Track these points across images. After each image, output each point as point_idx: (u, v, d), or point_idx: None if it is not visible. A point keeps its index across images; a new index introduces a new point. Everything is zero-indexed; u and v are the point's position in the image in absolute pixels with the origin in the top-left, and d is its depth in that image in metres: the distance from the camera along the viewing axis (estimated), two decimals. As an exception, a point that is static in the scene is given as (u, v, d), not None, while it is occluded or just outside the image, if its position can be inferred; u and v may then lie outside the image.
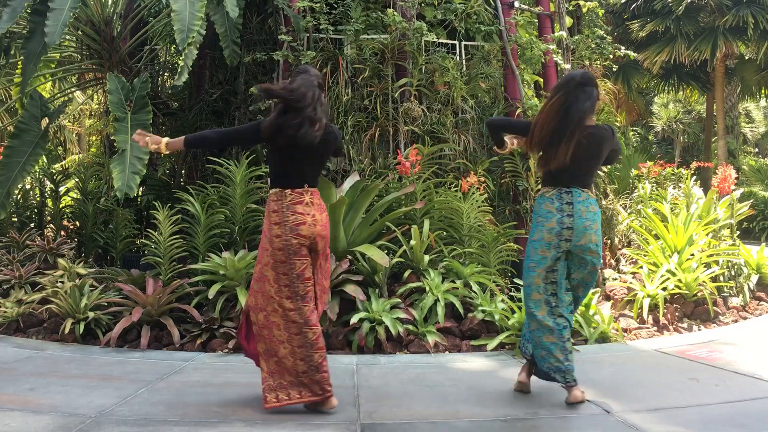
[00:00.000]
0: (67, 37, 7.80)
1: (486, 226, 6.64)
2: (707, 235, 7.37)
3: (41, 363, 4.79)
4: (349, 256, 6.04)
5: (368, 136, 7.35)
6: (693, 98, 25.74)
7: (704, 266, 6.83)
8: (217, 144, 4.06)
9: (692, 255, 6.97)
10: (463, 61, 8.20)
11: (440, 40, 7.99)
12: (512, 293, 6.23)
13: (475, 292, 5.87)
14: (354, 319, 5.36)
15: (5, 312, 5.69)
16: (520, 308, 5.63)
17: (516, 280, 6.38)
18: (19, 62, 7.14)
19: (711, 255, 7.08)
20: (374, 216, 6.44)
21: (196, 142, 4.00)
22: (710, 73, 19.17)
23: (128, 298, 5.66)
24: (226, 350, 5.19)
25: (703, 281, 6.63)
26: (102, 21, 7.37)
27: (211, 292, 5.55)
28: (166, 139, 3.80)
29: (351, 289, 5.61)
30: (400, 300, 5.75)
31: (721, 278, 7.07)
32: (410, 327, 5.49)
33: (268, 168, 4.05)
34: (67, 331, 5.37)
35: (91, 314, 5.48)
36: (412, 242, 6.16)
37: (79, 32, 7.53)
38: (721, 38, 16.83)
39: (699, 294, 6.60)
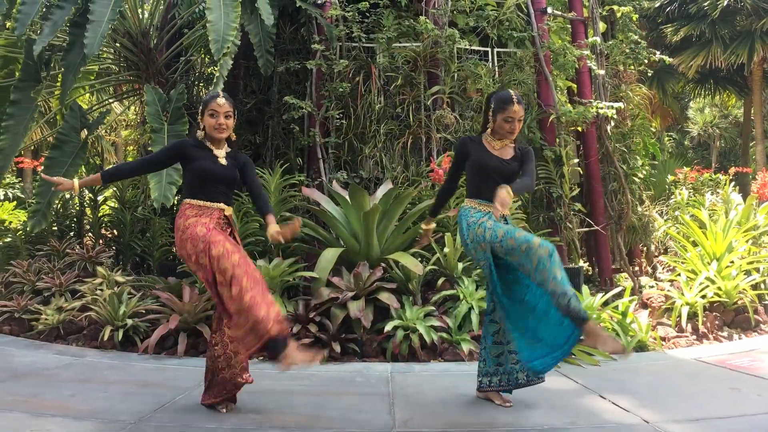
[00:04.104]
0: (105, 49, 7.95)
1: (520, 234, 6.59)
2: (747, 241, 7.23)
3: (81, 369, 4.87)
4: (383, 264, 6.05)
5: (401, 144, 7.37)
6: (730, 102, 25.31)
7: (744, 273, 6.70)
8: (136, 172, 4.35)
9: (732, 262, 6.83)
10: (496, 68, 8.18)
11: (472, 48, 7.98)
12: (547, 301, 6.16)
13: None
14: (388, 327, 5.37)
15: (46, 319, 5.80)
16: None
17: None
18: (59, 75, 7.30)
19: (751, 262, 6.94)
20: (407, 224, 6.45)
21: (111, 175, 4.19)
22: (747, 77, 18.84)
23: (165, 306, 5.74)
24: (262, 357, 5.22)
25: (744, 289, 6.50)
26: (139, 33, 7.51)
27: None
28: (76, 180, 3.97)
29: (385, 297, 5.62)
30: (434, 308, 5.73)
31: (762, 286, 6.91)
32: (444, 335, 5.47)
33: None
34: (106, 338, 5.46)
35: (129, 321, 5.56)
36: (446, 250, 6.15)
37: (117, 44, 7.67)
38: (758, 42, 16.54)
39: (739, 302, 6.48)
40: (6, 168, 6.78)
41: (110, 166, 4.18)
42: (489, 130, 4.10)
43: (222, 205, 3.91)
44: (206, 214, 3.85)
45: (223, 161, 3.93)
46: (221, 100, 3.87)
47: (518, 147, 4.16)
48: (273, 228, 3.93)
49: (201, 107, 3.93)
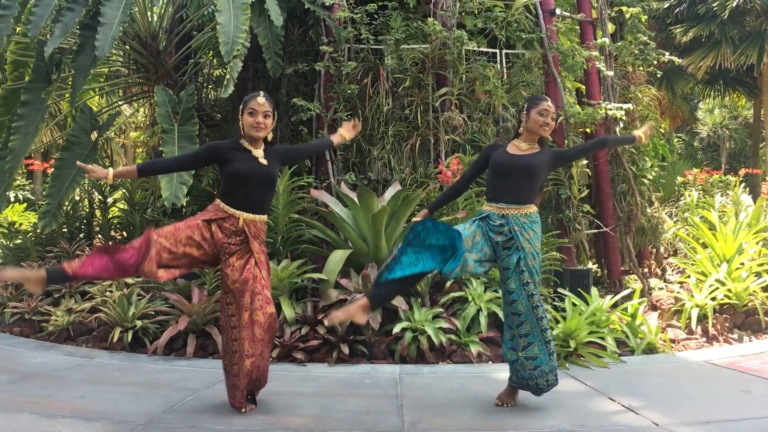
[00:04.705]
0: (115, 51, 7.98)
1: (528, 235, 6.58)
2: (757, 243, 7.20)
3: (91, 370, 4.89)
4: (391, 266, 6.04)
5: (409, 146, 7.36)
6: (739, 103, 25.18)
7: (755, 275, 6.66)
8: (170, 169, 4.29)
9: (742, 264, 6.81)
10: (504, 70, 8.16)
11: (481, 49, 7.96)
12: (555, 303, 6.16)
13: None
14: (396, 329, 5.36)
15: (56, 321, 5.83)
16: (564, 318, 5.57)
17: (560, 290, 6.31)
18: (69, 77, 7.34)
19: (761, 264, 6.91)
20: (416, 225, 6.43)
21: (147, 169, 4.25)
22: (757, 77, 18.70)
23: (174, 307, 5.76)
24: (270, 359, 5.23)
25: (754, 291, 6.48)
26: (149, 35, 7.53)
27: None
28: (111, 170, 3.85)
29: (393, 299, 5.62)
30: (442, 309, 5.73)
31: (772, 288, 6.88)
32: (453, 337, 5.46)
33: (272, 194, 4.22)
34: (115, 339, 5.49)
35: (138, 323, 5.59)
36: (454, 251, 6.13)
37: (127, 47, 7.71)
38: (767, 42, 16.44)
39: (750, 304, 6.45)
40: (16, 168, 6.82)
41: (145, 161, 4.23)
42: (520, 131, 4.24)
43: (240, 213, 3.90)
44: (219, 220, 3.90)
45: (263, 161, 3.95)
46: (261, 99, 3.90)
47: (545, 149, 4.26)
48: (342, 131, 4.39)
49: (241, 106, 3.96)
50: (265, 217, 4.03)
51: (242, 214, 3.89)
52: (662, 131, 13.63)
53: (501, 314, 5.56)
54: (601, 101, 7.76)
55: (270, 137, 4.06)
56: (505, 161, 4.12)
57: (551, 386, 4.05)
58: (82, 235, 7.75)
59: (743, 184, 9.72)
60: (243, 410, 3.89)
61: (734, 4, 16.14)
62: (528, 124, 4.16)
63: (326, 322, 3.97)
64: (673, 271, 8.85)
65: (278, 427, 3.70)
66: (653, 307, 6.87)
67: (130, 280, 6.24)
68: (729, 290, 6.49)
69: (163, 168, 4.51)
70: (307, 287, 6.17)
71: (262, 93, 3.96)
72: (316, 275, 5.95)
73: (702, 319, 6.24)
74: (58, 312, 5.91)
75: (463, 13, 7.80)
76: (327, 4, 7.61)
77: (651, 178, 8.62)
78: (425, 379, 4.83)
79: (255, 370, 3.88)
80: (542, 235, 6.66)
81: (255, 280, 3.88)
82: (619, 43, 8.34)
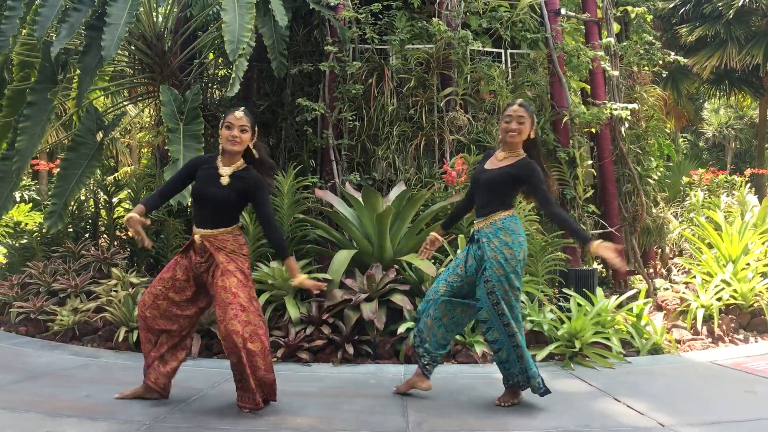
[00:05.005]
0: (120, 51, 7.98)
1: (533, 236, 6.57)
2: (763, 243, 7.17)
3: (97, 370, 4.90)
4: (396, 266, 6.05)
5: (414, 146, 7.37)
6: (745, 103, 25.10)
7: (761, 276, 6.64)
8: (165, 197, 4.25)
9: (748, 264, 6.79)
10: (509, 70, 8.16)
11: (485, 49, 7.96)
12: (561, 303, 6.15)
13: (523, 302, 5.80)
14: (401, 329, 5.36)
15: (62, 320, 5.84)
16: (569, 318, 5.56)
17: (565, 290, 6.29)
18: (75, 77, 7.35)
19: (767, 264, 6.88)
20: (420, 225, 6.44)
21: (150, 204, 4.18)
22: (763, 77, 18.64)
23: (179, 307, 5.75)
24: (275, 359, 5.23)
25: (760, 291, 6.46)
26: (154, 36, 7.55)
27: (259, 302, 5.61)
28: (132, 214, 3.98)
29: (398, 299, 5.62)
30: (447, 309, 5.71)
31: (779, 288, 6.86)
32: (458, 337, 5.46)
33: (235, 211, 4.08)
34: (121, 339, 5.49)
35: (143, 322, 5.58)
36: (459, 252, 6.13)
37: (132, 47, 7.72)
38: (774, 42, 16.39)
39: (755, 305, 6.43)
40: (23, 168, 6.83)
41: (144, 199, 4.21)
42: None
43: (198, 230, 3.96)
44: (193, 242, 4.02)
45: (225, 180, 3.92)
46: (239, 114, 3.92)
47: (520, 160, 4.10)
48: (302, 278, 4.08)
49: (222, 121, 3.98)
50: (229, 228, 3.97)
51: (199, 231, 3.96)
52: (668, 131, 13.59)
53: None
54: (606, 101, 7.76)
55: (256, 154, 4.04)
56: (474, 176, 4.29)
57: (539, 390, 4.06)
58: (87, 235, 7.76)
59: (749, 185, 9.70)
60: (245, 411, 3.89)
61: (740, 3, 16.10)
62: (500, 133, 4.19)
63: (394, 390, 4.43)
64: (678, 271, 8.84)
65: (283, 428, 3.70)
66: (658, 308, 6.85)
67: (134, 280, 6.25)
68: (735, 291, 6.47)
69: (159, 200, 4.24)
70: (312, 287, 6.17)
71: (242, 108, 3.98)
72: (320, 275, 5.94)
73: (707, 319, 6.22)
74: (63, 312, 5.92)
75: (467, 13, 7.80)
76: (331, 4, 7.62)
77: (656, 178, 8.61)
78: (430, 379, 4.82)
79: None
80: (548, 235, 6.69)
81: (225, 290, 3.86)
82: (625, 43, 8.34)
